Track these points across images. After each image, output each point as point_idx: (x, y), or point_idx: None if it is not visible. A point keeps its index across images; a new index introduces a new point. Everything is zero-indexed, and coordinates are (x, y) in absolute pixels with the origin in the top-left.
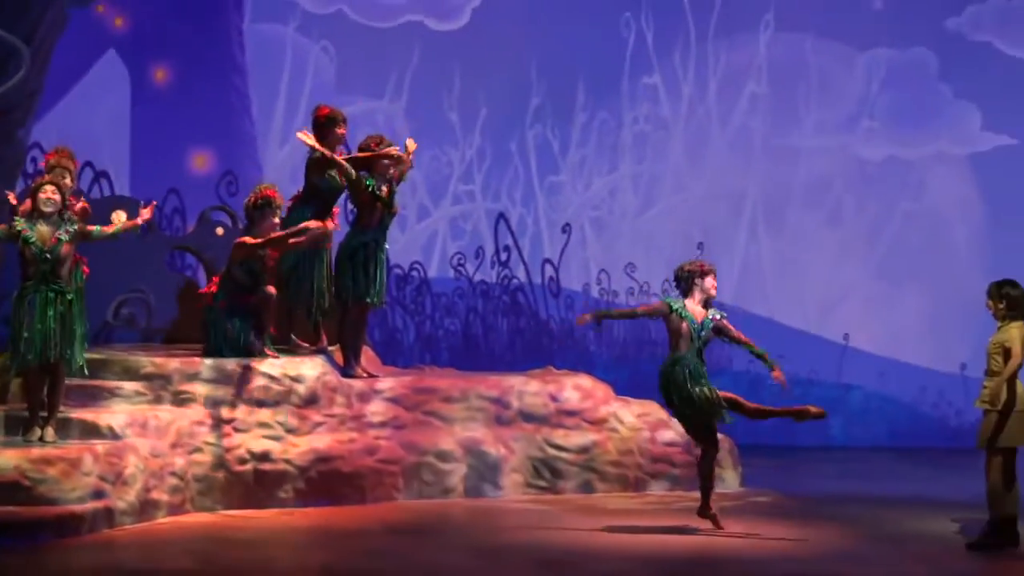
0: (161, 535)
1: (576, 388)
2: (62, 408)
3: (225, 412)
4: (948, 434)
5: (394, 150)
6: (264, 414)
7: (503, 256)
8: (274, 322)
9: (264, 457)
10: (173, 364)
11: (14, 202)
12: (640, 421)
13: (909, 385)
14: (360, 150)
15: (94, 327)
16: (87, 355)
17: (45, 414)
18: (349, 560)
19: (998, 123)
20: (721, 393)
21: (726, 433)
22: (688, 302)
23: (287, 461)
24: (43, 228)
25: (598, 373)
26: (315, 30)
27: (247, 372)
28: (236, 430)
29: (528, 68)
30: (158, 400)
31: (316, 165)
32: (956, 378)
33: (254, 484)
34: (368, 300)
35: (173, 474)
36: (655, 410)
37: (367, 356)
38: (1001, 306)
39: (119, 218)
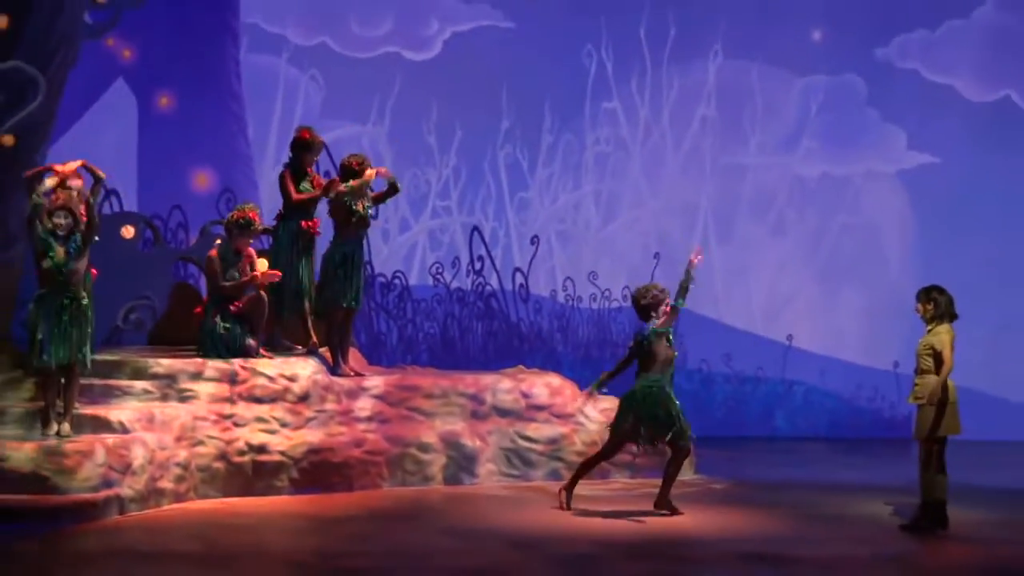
0: (167, 521)
1: (545, 385)
2: (76, 405)
3: (225, 408)
4: (882, 425)
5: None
6: (261, 410)
7: (477, 265)
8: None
9: (261, 449)
10: (178, 365)
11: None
12: (603, 415)
13: (847, 381)
14: (342, 168)
15: (105, 331)
16: (99, 356)
17: (61, 410)
18: (338, 543)
19: (921, 143)
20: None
21: None
22: (652, 325)
23: (282, 453)
24: (59, 246)
25: (565, 372)
26: (304, 60)
27: (246, 372)
28: (235, 424)
29: (499, 95)
30: (164, 398)
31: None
32: (889, 374)
33: (252, 474)
34: (350, 304)
35: (178, 465)
36: (616, 404)
37: (354, 356)
38: (930, 308)
39: (128, 232)
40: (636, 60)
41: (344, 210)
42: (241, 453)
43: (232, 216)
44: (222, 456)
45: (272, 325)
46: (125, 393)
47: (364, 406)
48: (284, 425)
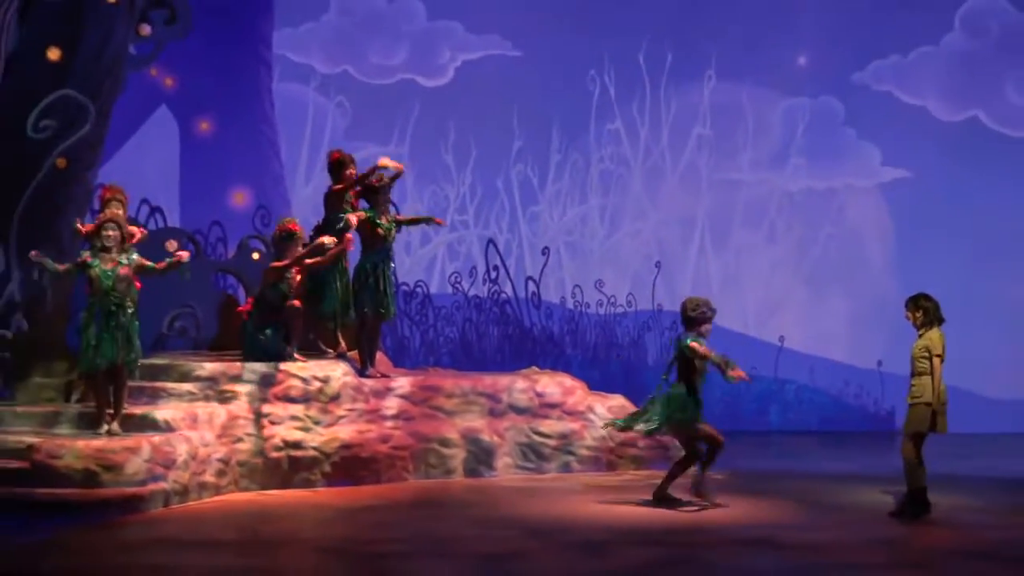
0: (208, 512)
1: (557, 385)
2: (126, 405)
3: (263, 408)
4: (868, 420)
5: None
6: (296, 409)
7: (493, 274)
8: (302, 331)
9: (296, 445)
10: (219, 368)
11: (82, 230)
12: (610, 412)
13: (834, 379)
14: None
15: (151, 338)
16: (147, 360)
17: (111, 411)
18: (367, 530)
19: (895, 159)
20: None
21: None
22: (689, 339)
23: (315, 448)
24: (106, 257)
25: (574, 372)
26: (332, 88)
27: (281, 374)
28: (272, 423)
29: (511, 117)
30: (207, 398)
31: (333, 198)
32: (873, 372)
33: (287, 468)
34: (382, 311)
35: (219, 460)
36: (623, 402)
37: (380, 360)
38: (919, 315)
39: (172, 246)
40: (637, 84)
41: (370, 224)
42: (278, 449)
43: (275, 233)
44: (260, 452)
45: (306, 331)
46: (171, 394)
47: (390, 405)
48: (317, 423)
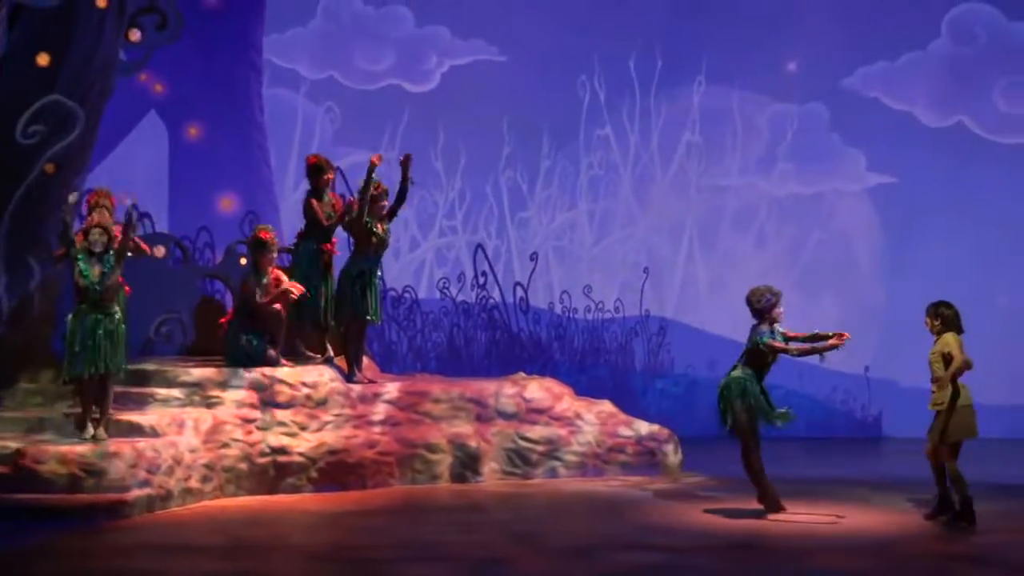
0: (194, 517)
1: (543, 390)
2: (111, 411)
3: (249, 413)
4: (854, 426)
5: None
6: (282, 414)
7: (481, 280)
8: (289, 337)
9: (282, 451)
10: (206, 373)
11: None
12: (596, 418)
13: (822, 385)
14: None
15: (138, 342)
16: (133, 366)
17: (97, 416)
18: (354, 536)
19: (880, 165)
20: None
21: (671, 428)
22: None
23: (301, 454)
24: (94, 262)
25: (561, 378)
26: (320, 94)
27: (268, 380)
28: (258, 428)
29: (500, 123)
30: (193, 404)
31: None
32: (861, 378)
33: (273, 474)
34: (369, 318)
35: (204, 466)
36: (609, 408)
37: (367, 365)
38: (937, 323)
39: (159, 252)
40: (626, 90)
41: (366, 231)
42: (264, 455)
43: (247, 241)
44: (246, 457)
45: (292, 337)
46: (157, 400)
47: (377, 411)
48: (303, 428)
